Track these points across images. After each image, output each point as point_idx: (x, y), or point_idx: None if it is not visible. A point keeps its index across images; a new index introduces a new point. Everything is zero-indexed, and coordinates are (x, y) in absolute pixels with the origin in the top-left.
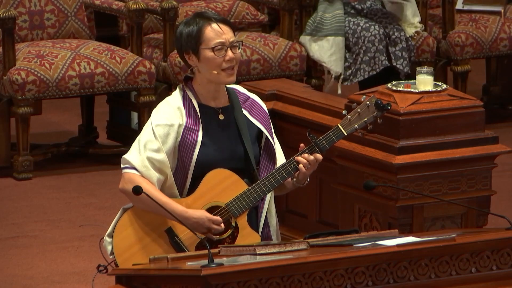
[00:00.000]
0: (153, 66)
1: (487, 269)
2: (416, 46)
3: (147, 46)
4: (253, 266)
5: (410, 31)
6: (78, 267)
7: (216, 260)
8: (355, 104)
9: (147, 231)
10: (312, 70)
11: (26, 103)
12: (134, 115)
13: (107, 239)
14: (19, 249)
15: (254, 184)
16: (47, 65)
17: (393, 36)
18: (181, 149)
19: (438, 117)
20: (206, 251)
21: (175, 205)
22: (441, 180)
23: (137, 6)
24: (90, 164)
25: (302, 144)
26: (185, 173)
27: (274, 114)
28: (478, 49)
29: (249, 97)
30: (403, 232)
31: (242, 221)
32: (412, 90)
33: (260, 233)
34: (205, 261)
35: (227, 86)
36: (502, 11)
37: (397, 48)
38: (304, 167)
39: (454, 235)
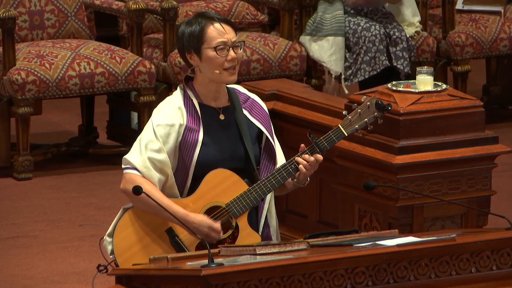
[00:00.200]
0: (153, 66)
1: (487, 269)
2: (416, 46)
3: (147, 46)
4: (253, 266)
5: (410, 31)
6: (78, 267)
7: (216, 260)
8: (355, 104)
9: (148, 231)
10: (312, 70)
11: (26, 103)
12: (134, 115)
13: (107, 239)
14: (19, 249)
15: (254, 184)
16: (47, 65)
17: (394, 36)
18: (182, 149)
19: (438, 117)
20: (206, 251)
21: (176, 208)
22: (441, 180)
23: (137, 6)
24: (90, 164)
25: (302, 145)
26: (186, 173)
27: (274, 114)
28: (478, 49)
29: (249, 97)
30: (403, 232)
31: (243, 221)
32: (412, 90)
33: (260, 233)
34: (205, 261)
35: (228, 86)
36: (502, 11)
37: (398, 48)
38: (304, 167)
39: (454, 235)
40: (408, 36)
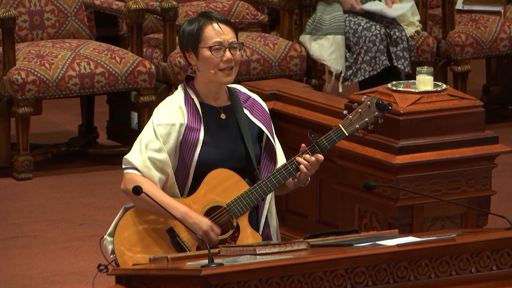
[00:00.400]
0: (153, 66)
1: (487, 269)
2: (416, 46)
3: (147, 46)
4: (253, 266)
5: (410, 30)
6: (78, 267)
7: (216, 260)
8: (356, 104)
9: (149, 231)
10: (312, 70)
11: (26, 103)
12: (134, 115)
13: (108, 238)
14: (19, 249)
15: (255, 184)
16: (47, 65)
17: (394, 36)
18: (183, 148)
19: (438, 117)
20: (206, 251)
21: (177, 205)
22: (441, 180)
23: (137, 6)
24: (90, 164)
25: (303, 145)
26: (187, 172)
27: (274, 114)
28: (478, 49)
29: (250, 96)
30: (403, 232)
31: (243, 222)
32: (412, 90)
33: (260, 233)
34: (205, 261)
35: (228, 85)
36: (502, 11)
37: (398, 48)
38: (305, 167)
39: (454, 235)
40: (408, 36)
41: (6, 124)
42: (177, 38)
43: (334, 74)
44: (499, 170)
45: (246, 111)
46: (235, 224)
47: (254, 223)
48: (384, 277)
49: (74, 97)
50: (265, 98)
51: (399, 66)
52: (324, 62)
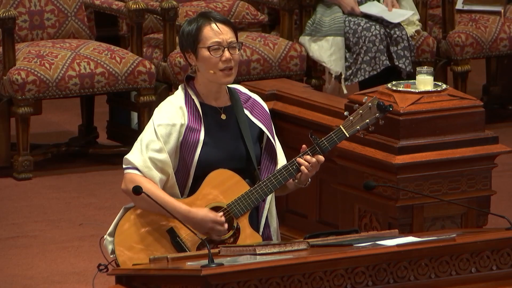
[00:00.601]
0: (153, 66)
1: (487, 269)
2: (416, 46)
3: (147, 46)
4: (253, 266)
5: (411, 30)
6: (78, 267)
7: (216, 260)
8: (356, 105)
9: (149, 231)
10: (312, 70)
11: (26, 103)
12: (134, 115)
13: (108, 238)
14: (19, 249)
15: (256, 185)
16: (47, 65)
17: (395, 35)
18: (183, 148)
19: (438, 117)
20: (206, 251)
21: (178, 204)
22: (441, 180)
23: (137, 6)
24: (90, 164)
25: (304, 145)
26: (187, 173)
27: (274, 114)
28: (478, 49)
29: (250, 97)
30: (403, 232)
31: (244, 222)
32: (412, 90)
33: (260, 233)
34: (205, 261)
35: (229, 85)
36: (502, 11)
37: (399, 47)
38: (306, 168)
39: (454, 235)
40: (409, 35)
41: (6, 124)
42: (177, 38)
43: (333, 75)
44: (499, 170)
45: (246, 112)
46: (235, 224)
47: (254, 224)
48: (384, 277)
49: (74, 97)
50: (265, 98)
51: (400, 65)
52: (324, 64)
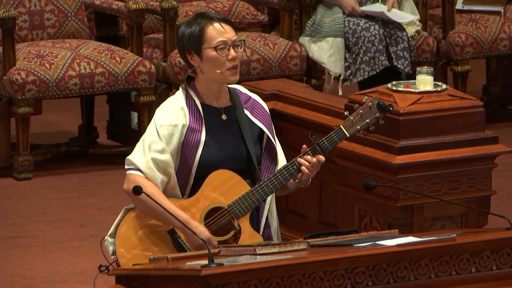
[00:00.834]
0: (153, 66)
1: (487, 269)
2: (416, 46)
3: (147, 46)
4: (253, 266)
5: (411, 30)
6: (78, 267)
7: (216, 260)
8: (356, 105)
9: (149, 232)
10: (312, 70)
11: (26, 103)
12: (134, 115)
13: (109, 239)
14: (19, 249)
15: (256, 185)
16: (47, 65)
17: (395, 35)
18: (184, 149)
19: (438, 117)
20: (206, 251)
21: (179, 212)
22: (441, 180)
23: (137, 6)
24: (90, 164)
25: (304, 146)
26: (188, 173)
27: (274, 114)
28: (478, 49)
29: (250, 97)
30: (403, 232)
31: (245, 223)
32: (412, 90)
33: (261, 234)
34: (205, 261)
35: (229, 86)
36: (502, 11)
37: (399, 48)
38: (307, 168)
39: (454, 235)
40: (409, 35)
41: (6, 124)
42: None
43: (332, 76)
44: (499, 170)
45: (246, 112)
46: (236, 225)
47: (254, 224)
48: (384, 277)
49: (74, 97)
50: (265, 98)
51: (399, 66)
52: (323, 65)
